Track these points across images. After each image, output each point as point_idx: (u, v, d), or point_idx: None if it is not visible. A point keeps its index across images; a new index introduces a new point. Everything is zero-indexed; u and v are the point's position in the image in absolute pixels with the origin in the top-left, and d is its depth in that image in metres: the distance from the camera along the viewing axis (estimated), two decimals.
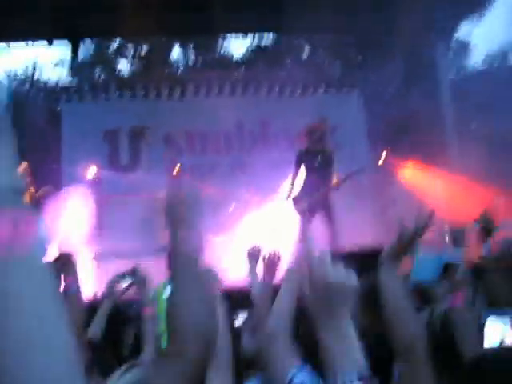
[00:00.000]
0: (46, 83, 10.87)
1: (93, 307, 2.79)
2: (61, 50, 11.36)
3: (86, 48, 12.91)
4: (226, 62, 12.78)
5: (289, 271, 1.91)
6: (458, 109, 10.90)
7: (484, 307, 2.54)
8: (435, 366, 1.62)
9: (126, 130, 10.58)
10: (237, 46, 13.23)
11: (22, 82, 13.37)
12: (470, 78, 13.52)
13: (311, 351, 1.67)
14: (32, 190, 6.60)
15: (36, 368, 0.63)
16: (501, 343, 1.85)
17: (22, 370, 0.62)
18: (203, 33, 11.32)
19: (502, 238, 3.32)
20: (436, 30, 11.13)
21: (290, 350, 1.62)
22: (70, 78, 11.53)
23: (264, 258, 2.59)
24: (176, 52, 13.77)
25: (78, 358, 0.76)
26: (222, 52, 13.25)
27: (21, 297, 0.64)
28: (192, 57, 13.86)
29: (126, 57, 13.56)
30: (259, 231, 8.03)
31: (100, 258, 7.57)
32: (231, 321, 2.88)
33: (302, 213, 6.96)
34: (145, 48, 12.98)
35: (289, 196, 7.22)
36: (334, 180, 6.96)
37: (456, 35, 12.89)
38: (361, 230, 8.14)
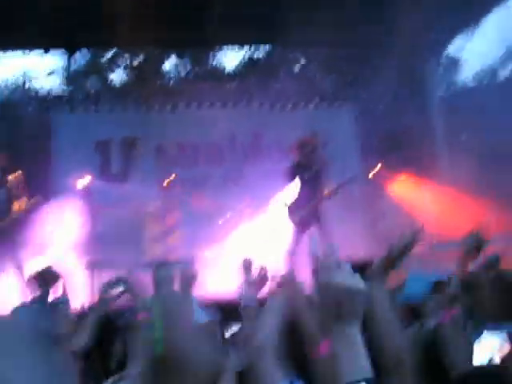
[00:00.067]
0: (37, 92, 10.85)
1: (83, 317, 2.76)
2: (53, 60, 11.38)
3: (79, 58, 12.92)
4: (219, 74, 12.82)
5: (278, 284, 1.91)
6: (448, 123, 11.01)
7: (474, 323, 2.55)
8: (423, 381, 1.62)
9: (118, 140, 10.57)
10: (229, 58, 13.29)
11: (14, 90, 13.34)
12: (460, 93, 13.66)
13: (301, 365, 1.67)
14: (24, 199, 6.56)
15: None
16: (490, 360, 1.85)
17: None
18: (197, 46, 11.41)
19: (491, 252, 3.34)
20: (427, 47, 11.27)
21: (278, 364, 1.62)
22: (62, 88, 11.52)
23: (255, 272, 2.59)
24: (168, 64, 13.81)
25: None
26: (214, 64, 13.30)
27: None
28: (184, 69, 13.90)
29: (119, 67, 13.57)
30: (252, 243, 8.02)
31: (91, 267, 7.52)
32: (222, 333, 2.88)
33: (296, 223, 6.98)
34: (138, 59, 13.00)
35: (285, 208, 7.24)
36: (326, 190, 6.99)
37: (446, 52, 13.05)
38: (351, 242, 8.15)
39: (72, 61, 11.59)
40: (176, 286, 4.25)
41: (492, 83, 13.21)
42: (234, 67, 13.57)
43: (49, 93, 10.91)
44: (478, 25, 11.29)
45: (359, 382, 1.12)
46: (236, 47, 12.21)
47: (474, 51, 12.74)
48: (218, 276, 6.93)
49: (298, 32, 8.61)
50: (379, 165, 9.80)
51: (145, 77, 12.11)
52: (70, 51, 11.11)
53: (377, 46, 10.24)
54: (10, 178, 6.56)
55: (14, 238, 6.55)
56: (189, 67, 13.74)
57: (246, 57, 13.29)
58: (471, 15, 10.62)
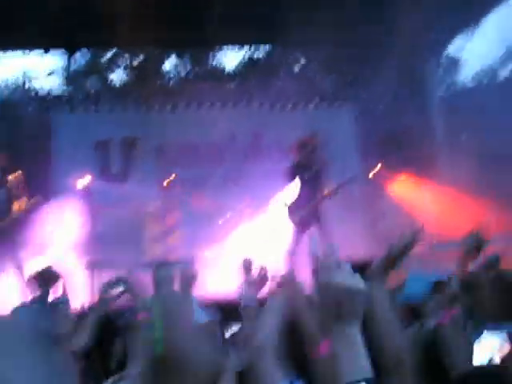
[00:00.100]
0: (37, 92, 10.86)
1: (83, 317, 2.76)
2: (53, 60, 11.38)
3: (79, 58, 12.92)
4: (219, 74, 12.82)
5: (278, 284, 1.91)
6: (447, 123, 11.02)
7: (474, 323, 2.55)
8: (423, 381, 1.62)
9: (118, 140, 10.58)
10: (229, 58, 13.29)
11: (14, 90, 13.34)
12: (460, 93, 13.66)
13: (301, 365, 1.67)
14: (24, 199, 6.56)
15: None
16: (490, 360, 1.85)
17: None
18: (197, 46, 11.42)
19: (491, 252, 3.34)
20: (427, 47, 11.27)
21: (278, 364, 1.62)
22: (62, 88, 11.53)
23: (255, 272, 2.59)
24: (169, 64, 13.82)
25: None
26: (214, 64, 13.30)
27: None
28: (184, 69, 13.90)
29: (119, 67, 13.57)
30: (252, 243, 8.02)
31: (91, 267, 7.52)
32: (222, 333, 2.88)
33: (296, 223, 6.98)
34: (138, 59, 13.00)
35: (285, 208, 7.23)
36: (327, 190, 6.98)
37: (446, 52, 13.05)
38: (351, 243, 8.15)
39: (72, 61, 11.59)
40: (176, 286, 4.26)
41: (492, 83, 13.20)
42: (233, 67, 13.57)
43: (49, 93, 10.92)
44: (477, 25, 11.29)
45: (359, 382, 1.12)
46: (236, 47, 12.21)
47: (473, 51, 12.75)
48: (218, 276, 6.93)
49: (298, 32, 8.61)
50: (379, 165, 9.81)
51: (145, 77, 12.11)
52: (70, 51, 11.12)
53: (377, 45, 10.23)
54: (10, 177, 6.56)
55: (14, 238, 6.55)
56: (189, 67, 13.74)
57: (246, 57, 13.29)
58: (471, 15, 10.62)
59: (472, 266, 2.93)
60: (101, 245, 8.57)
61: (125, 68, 13.39)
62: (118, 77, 13.70)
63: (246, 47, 12.46)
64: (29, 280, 4.48)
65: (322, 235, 6.82)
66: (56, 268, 2.52)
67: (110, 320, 2.79)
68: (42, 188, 8.93)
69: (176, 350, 1.55)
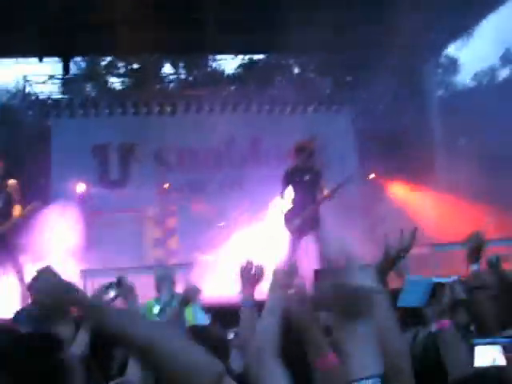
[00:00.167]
0: (37, 97, 10.87)
1: (78, 323, 2.75)
2: (53, 65, 11.40)
3: (78, 63, 12.95)
4: (217, 78, 12.85)
5: (275, 285, 1.90)
6: (447, 124, 11.03)
7: (475, 327, 2.55)
8: None
9: (116, 145, 10.58)
10: (228, 63, 13.32)
11: (14, 95, 13.37)
12: (459, 94, 13.69)
13: (298, 367, 1.68)
14: (21, 205, 6.56)
15: None
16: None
17: None
18: (196, 51, 11.44)
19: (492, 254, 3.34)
20: (426, 48, 11.28)
21: (278, 367, 1.62)
22: (61, 93, 11.54)
23: (248, 271, 2.57)
24: (167, 68, 13.85)
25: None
26: (213, 69, 13.34)
27: None
28: (183, 73, 13.93)
29: (118, 72, 13.60)
30: (249, 248, 8.00)
31: (89, 273, 7.51)
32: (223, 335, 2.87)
33: (292, 231, 6.94)
34: (137, 64, 13.03)
35: (282, 213, 7.20)
36: (326, 192, 6.95)
37: (446, 52, 13.09)
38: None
39: (71, 66, 11.61)
40: (176, 289, 4.26)
41: (491, 84, 13.23)
42: (232, 72, 13.61)
43: (48, 97, 10.92)
44: (477, 25, 11.32)
45: (372, 376, 1.13)
46: (234, 52, 12.23)
47: (473, 52, 12.79)
48: (218, 280, 6.92)
49: (297, 34, 8.62)
50: (373, 174, 9.87)
51: (144, 81, 12.13)
52: (69, 56, 11.15)
53: (376, 46, 10.24)
54: (10, 182, 6.55)
55: (13, 243, 6.54)
56: (188, 72, 13.77)
57: (245, 61, 13.33)
58: (471, 16, 10.62)
59: (473, 267, 2.94)
60: (100, 250, 8.56)
61: (124, 73, 13.42)
62: (117, 81, 13.75)
63: (245, 52, 12.49)
64: (29, 284, 4.48)
65: (318, 241, 6.79)
66: (51, 270, 2.52)
67: None
68: (41, 192, 8.95)
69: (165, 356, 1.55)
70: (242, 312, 2.46)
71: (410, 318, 2.24)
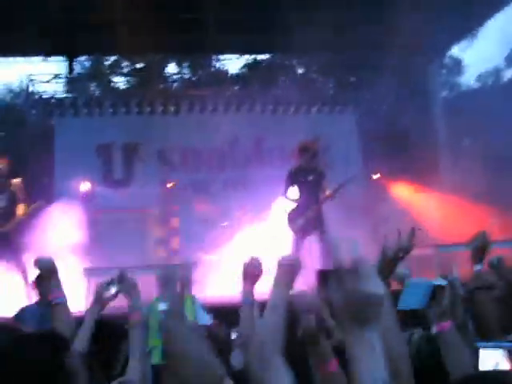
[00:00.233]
0: (41, 96, 10.89)
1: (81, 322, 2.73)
2: (57, 64, 11.43)
3: (82, 62, 12.97)
4: (221, 78, 12.86)
5: (279, 281, 1.90)
6: (451, 125, 11.00)
7: (477, 328, 2.54)
8: None
9: (120, 144, 10.60)
10: (231, 63, 13.33)
11: (18, 94, 13.40)
12: (464, 95, 13.66)
13: (301, 367, 1.67)
14: (25, 204, 6.58)
15: None
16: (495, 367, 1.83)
17: None
18: (199, 51, 11.45)
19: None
20: (430, 48, 11.26)
21: (281, 363, 1.61)
22: (65, 92, 11.57)
23: (252, 268, 2.56)
24: (171, 68, 13.87)
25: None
26: (216, 69, 13.34)
27: None
28: (187, 73, 13.95)
29: (122, 71, 13.63)
30: (253, 248, 7.99)
31: (91, 272, 7.52)
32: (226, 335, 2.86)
33: (295, 231, 6.94)
34: (140, 63, 13.05)
35: (285, 213, 7.20)
36: (328, 191, 6.95)
37: (450, 53, 13.06)
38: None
39: (75, 65, 11.63)
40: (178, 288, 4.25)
41: (496, 85, 13.19)
42: (236, 72, 13.61)
43: (52, 97, 10.95)
44: (481, 26, 11.28)
45: (379, 381, 1.12)
46: (238, 52, 12.24)
47: (477, 53, 12.76)
48: (221, 279, 6.92)
49: (297, 35, 8.61)
50: (378, 174, 9.83)
51: (148, 81, 12.15)
52: (73, 55, 11.17)
53: (379, 47, 10.22)
54: (14, 181, 6.58)
55: (17, 242, 6.56)
56: (191, 72, 13.79)
57: (249, 61, 13.34)
58: (475, 16, 10.58)
59: (476, 268, 2.94)
60: (103, 249, 8.57)
61: (128, 72, 13.45)
62: (120, 81, 13.77)
63: (245, 52, 12.50)
64: (33, 282, 4.50)
65: (322, 241, 6.79)
66: (53, 267, 2.50)
67: (114, 323, 2.76)
68: (44, 191, 8.97)
69: (177, 354, 1.55)
70: (241, 310, 2.45)
71: (410, 319, 2.24)
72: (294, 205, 7.04)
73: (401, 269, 2.39)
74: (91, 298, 2.70)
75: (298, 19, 8.76)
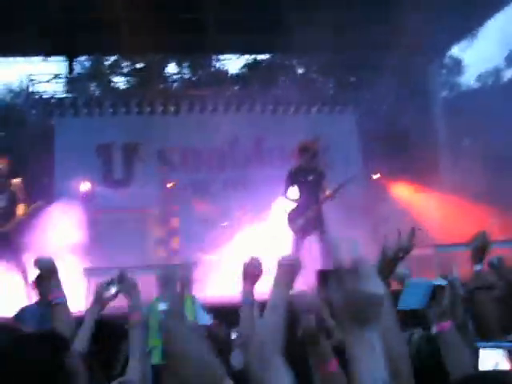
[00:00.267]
0: (41, 96, 10.90)
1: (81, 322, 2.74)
2: (57, 64, 11.43)
3: (82, 62, 12.98)
4: (221, 78, 12.86)
5: (279, 281, 1.90)
6: (451, 125, 11.00)
7: (477, 328, 2.54)
8: None
9: (120, 144, 10.60)
10: (231, 63, 13.34)
11: (18, 94, 13.41)
12: (464, 95, 13.66)
13: (301, 367, 1.67)
14: (25, 204, 6.58)
15: None
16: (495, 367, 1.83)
17: None
18: (199, 51, 11.45)
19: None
20: (430, 48, 11.26)
21: (281, 363, 1.61)
22: (65, 92, 11.57)
23: (252, 267, 2.56)
24: (171, 68, 13.88)
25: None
26: (216, 69, 13.35)
27: None
28: (187, 73, 13.95)
29: (122, 71, 13.63)
30: (253, 248, 7.99)
31: (91, 272, 7.53)
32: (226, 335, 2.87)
33: (295, 231, 6.94)
34: (140, 63, 13.06)
35: (285, 213, 7.20)
36: (328, 191, 6.95)
37: (450, 53, 13.06)
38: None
39: (75, 65, 11.64)
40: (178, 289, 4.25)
41: (496, 85, 13.19)
42: (236, 72, 13.61)
43: (52, 96, 10.95)
44: (481, 26, 11.29)
45: (379, 381, 1.12)
46: (238, 52, 12.25)
47: (477, 53, 12.76)
48: (221, 279, 6.93)
49: (297, 35, 8.62)
50: (378, 174, 9.82)
51: (148, 81, 12.16)
52: (73, 55, 11.18)
53: (379, 47, 10.23)
54: (14, 181, 6.58)
55: (17, 242, 6.57)
56: (191, 72, 13.79)
57: (249, 61, 13.34)
58: (475, 16, 10.59)
59: (477, 268, 2.94)
60: (103, 249, 8.57)
61: (128, 72, 13.45)
62: (120, 81, 13.77)
63: (245, 52, 12.51)
64: (33, 282, 4.51)
65: (322, 241, 6.79)
66: (52, 267, 2.50)
67: (116, 325, 2.76)
68: (44, 191, 8.97)
69: (177, 354, 1.55)
70: (241, 310, 2.45)
71: (410, 319, 2.24)
72: (294, 205, 7.03)
73: (401, 269, 2.39)
74: (91, 298, 2.70)
75: (297, 19, 8.76)
